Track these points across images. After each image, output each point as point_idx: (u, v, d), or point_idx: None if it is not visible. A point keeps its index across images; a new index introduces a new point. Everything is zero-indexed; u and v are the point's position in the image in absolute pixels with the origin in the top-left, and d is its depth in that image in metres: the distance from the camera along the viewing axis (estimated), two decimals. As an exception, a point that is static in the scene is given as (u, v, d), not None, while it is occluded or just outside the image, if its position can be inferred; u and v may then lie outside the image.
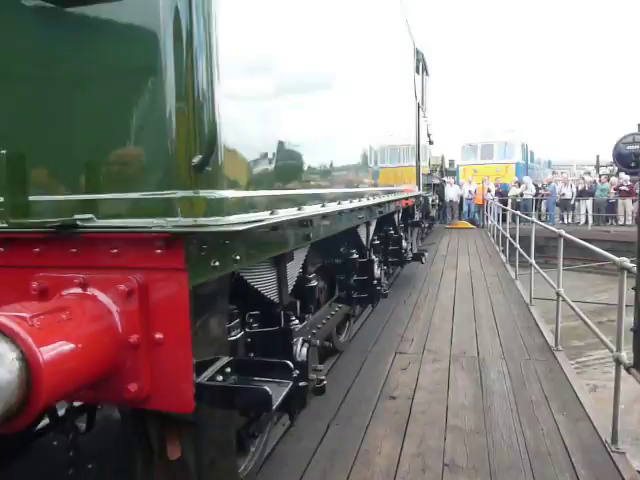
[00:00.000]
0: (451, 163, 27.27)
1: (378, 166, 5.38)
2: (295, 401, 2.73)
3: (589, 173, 24.88)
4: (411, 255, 9.04)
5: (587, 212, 19.85)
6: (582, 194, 20.81)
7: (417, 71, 9.45)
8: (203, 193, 1.67)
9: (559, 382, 4.74)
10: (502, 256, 13.02)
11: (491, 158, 24.38)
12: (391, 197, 6.07)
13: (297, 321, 2.87)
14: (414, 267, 10.53)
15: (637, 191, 19.60)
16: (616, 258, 3.85)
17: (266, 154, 2.15)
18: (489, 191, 20.84)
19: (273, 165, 2.22)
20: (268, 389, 1.74)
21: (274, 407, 1.73)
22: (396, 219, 7.63)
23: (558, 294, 5.96)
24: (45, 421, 2.69)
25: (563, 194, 20.36)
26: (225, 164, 1.74)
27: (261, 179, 2.10)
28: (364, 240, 5.12)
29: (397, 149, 6.91)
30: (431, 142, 19.19)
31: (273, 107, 2.30)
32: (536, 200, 20.22)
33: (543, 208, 20.74)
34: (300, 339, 2.80)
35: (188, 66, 1.65)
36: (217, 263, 1.77)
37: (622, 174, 21.75)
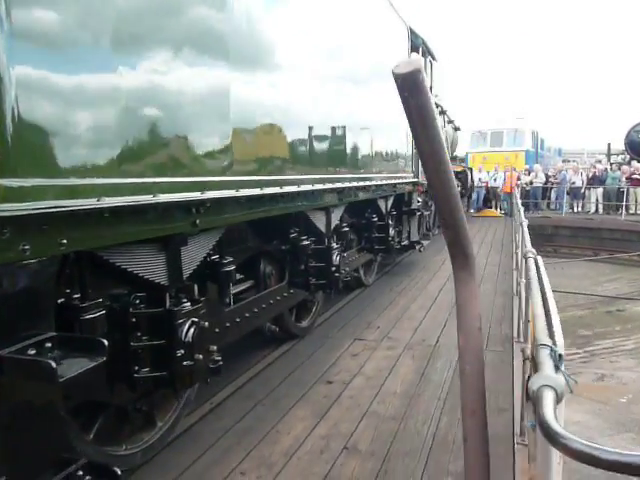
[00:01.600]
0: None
1: (346, 153, 5.38)
2: (180, 379, 2.84)
3: (600, 161, 24.00)
4: (406, 243, 8.99)
5: (597, 201, 19.26)
6: (593, 182, 20.28)
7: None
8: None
9: (503, 373, 4.62)
10: (514, 245, 12.75)
11: (501, 146, 23.88)
12: (367, 183, 6.08)
13: (189, 303, 2.95)
14: (417, 255, 10.46)
15: None
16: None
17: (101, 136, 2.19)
18: (519, 179, 20.39)
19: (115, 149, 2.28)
20: (53, 363, 1.83)
21: (62, 381, 1.81)
22: (383, 206, 7.62)
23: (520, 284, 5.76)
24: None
25: (573, 182, 19.82)
26: (18, 150, 1.81)
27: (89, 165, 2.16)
28: (322, 227, 5.15)
29: (378, 135, 6.87)
30: (457, 128, 18.86)
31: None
32: (546, 188, 19.74)
33: (553, 196, 20.21)
34: (189, 320, 2.88)
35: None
36: (27, 247, 1.87)
37: (634, 162, 21.11)
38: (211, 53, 2.97)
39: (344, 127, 5.34)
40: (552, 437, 0.96)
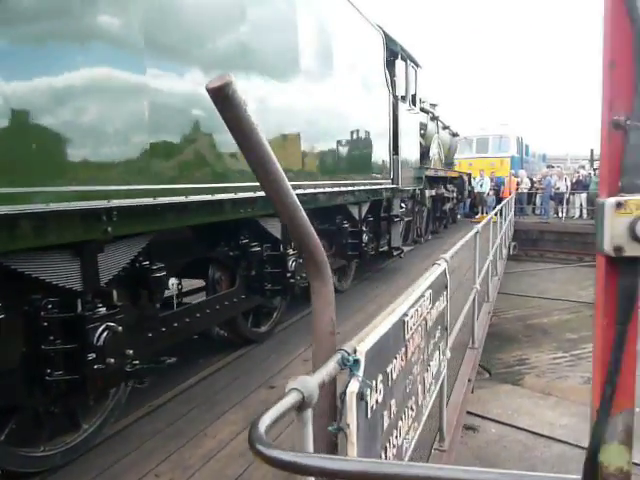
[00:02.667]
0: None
1: (304, 160, 5.43)
2: (92, 383, 2.90)
3: (583, 167, 24.04)
4: (386, 249, 8.99)
5: (581, 205, 19.18)
6: (577, 187, 20.33)
7: (391, 63, 9.36)
8: None
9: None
10: (504, 251, 12.64)
11: (486, 152, 23.87)
12: (329, 190, 6.08)
13: (104, 308, 3.01)
14: (403, 261, 10.44)
15: None
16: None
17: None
18: (518, 185, 20.31)
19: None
20: None
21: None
22: (356, 212, 7.65)
23: (476, 290, 5.70)
24: None
25: (558, 188, 19.77)
26: None
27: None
28: (277, 234, 5.20)
29: (346, 142, 6.89)
30: (455, 134, 18.75)
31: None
32: (530, 194, 19.75)
33: (538, 202, 20.18)
34: (102, 325, 2.94)
35: None
36: None
37: None
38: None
39: (299, 134, 5.37)
40: (251, 441, 0.98)
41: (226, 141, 4.14)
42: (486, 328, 7.14)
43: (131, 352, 3.07)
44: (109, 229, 2.89)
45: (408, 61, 9.76)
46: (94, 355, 2.84)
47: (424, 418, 2.51)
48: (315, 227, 6.19)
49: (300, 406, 1.25)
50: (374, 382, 1.66)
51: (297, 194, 4.94)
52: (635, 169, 0.87)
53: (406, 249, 9.76)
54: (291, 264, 5.31)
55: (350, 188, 6.97)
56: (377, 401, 1.70)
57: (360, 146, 7.34)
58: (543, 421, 7.56)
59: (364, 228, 7.84)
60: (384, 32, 8.63)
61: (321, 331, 1.92)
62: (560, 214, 19.74)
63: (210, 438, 3.42)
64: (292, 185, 4.72)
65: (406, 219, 10.12)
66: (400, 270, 9.99)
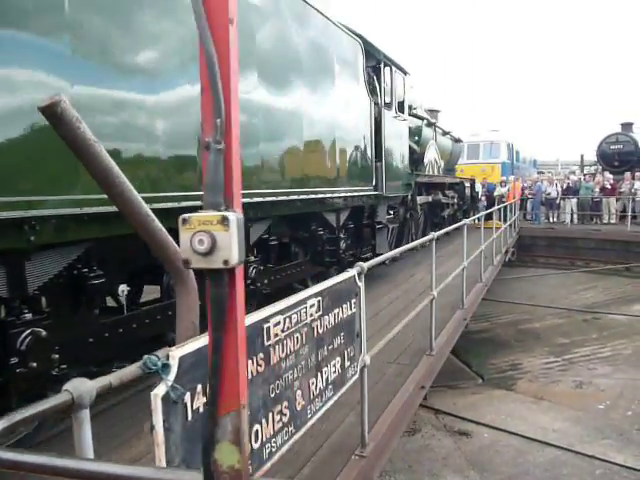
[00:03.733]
0: None
1: (263, 169, 5.54)
2: (14, 386, 3.02)
3: (574, 172, 23.90)
4: (369, 256, 9.00)
5: (572, 211, 19.06)
6: (567, 193, 20.25)
7: (376, 70, 9.48)
8: None
9: (388, 387, 4.66)
10: (498, 257, 12.43)
11: (477, 158, 23.97)
12: (296, 197, 6.18)
13: (30, 314, 3.13)
14: (391, 268, 10.44)
15: (621, 190, 18.81)
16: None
17: None
18: (523, 190, 20.22)
19: None
20: None
21: None
22: (333, 219, 7.71)
23: (433, 298, 5.67)
24: None
25: (549, 193, 19.73)
26: None
27: None
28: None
29: (321, 150, 7.00)
30: (457, 140, 18.64)
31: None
32: (522, 199, 19.69)
33: (529, 207, 20.06)
34: (26, 330, 3.06)
35: None
36: None
37: (606, 173, 21.33)
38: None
39: (268, 141, 5.56)
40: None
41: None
42: (456, 335, 7.09)
43: (57, 357, 3.17)
44: (32, 238, 3.00)
45: (393, 68, 9.84)
46: (16, 359, 2.95)
47: (311, 422, 2.54)
48: (288, 233, 6.33)
49: (70, 407, 1.31)
50: (200, 386, 1.69)
51: (265, 201, 5.05)
52: (211, 187, 0.92)
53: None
54: (251, 271, 5.42)
55: (324, 195, 7.06)
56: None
57: (336, 154, 7.42)
58: (536, 426, 7.51)
59: (342, 235, 7.92)
60: (365, 41, 8.75)
61: (182, 335, 2.01)
62: (551, 219, 19.62)
63: (138, 441, 3.49)
64: (258, 193, 4.74)
65: (391, 226, 10.07)
66: (386, 276, 9.99)
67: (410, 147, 12.97)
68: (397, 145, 10.22)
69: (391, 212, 10.78)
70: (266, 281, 5.69)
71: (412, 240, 13.00)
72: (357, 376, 3.13)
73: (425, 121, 14.11)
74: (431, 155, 14.50)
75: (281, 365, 2.24)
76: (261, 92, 5.37)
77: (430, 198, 14.29)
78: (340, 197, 7.57)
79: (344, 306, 2.92)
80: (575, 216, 19.42)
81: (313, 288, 2.63)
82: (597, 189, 19.70)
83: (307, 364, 2.50)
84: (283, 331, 2.24)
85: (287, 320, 2.28)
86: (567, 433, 7.14)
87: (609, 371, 9.47)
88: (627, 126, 25.07)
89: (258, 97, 5.34)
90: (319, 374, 2.63)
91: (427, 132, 14.31)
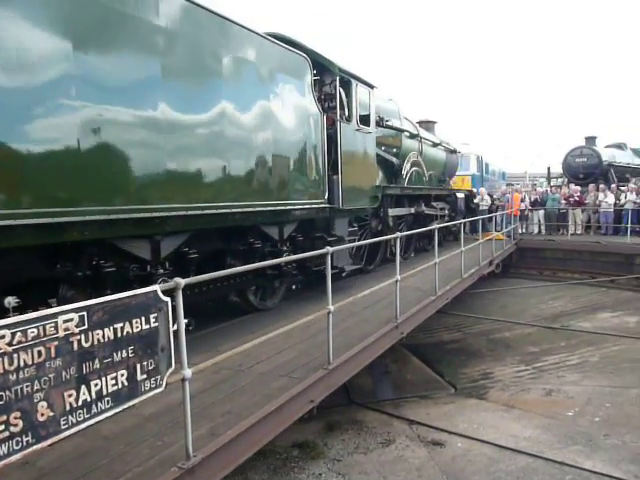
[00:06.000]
0: None
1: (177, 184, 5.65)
2: None
3: (541, 185, 24.63)
4: (321, 268, 8.73)
5: (539, 222, 19.53)
6: (534, 204, 20.75)
7: (329, 85, 9.58)
8: None
9: (253, 399, 4.67)
10: (472, 270, 12.06)
11: None
12: (216, 211, 6.19)
13: None
14: (358, 280, 10.11)
15: (586, 201, 19.42)
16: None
17: None
18: (522, 200, 20.53)
19: None
20: None
21: None
22: (274, 232, 7.76)
23: (329, 312, 5.54)
24: None
25: None
26: None
27: None
28: (145, 255, 5.46)
29: (259, 164, 7.06)
30: (453, 150, 18.54)
31: None
32: (491, 210, 20.07)
33: (498, 218, 20.54)
34: None
35: None
36: None
37: (572, 185, 21.89)
38: None
39: (177, 156, 5.59)
40: None
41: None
42: (375, 353, 6.90)
43: None
44: None
45: (354, 82, 9.85)
46: None
47: (69, 432, 2.67)
48: (223, 247, 6.41)
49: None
50: None
51: (178, 215, 5.47)
52: None
53: (349, 268, 9.55)
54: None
55: (263, 209, 7.08)
56: None
57: (273, 168, 7.39)
58: (507, 434, 7.57)
59: (285, 248, 7.92)
60: (319, 56, 9.05)
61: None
62: (520, 230, 20.00)
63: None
64: (167, 208, 4.75)
65: (348, 239, 9.71)
66: (349, 289, 9.48)
67: (385, 159, 12.98)
68: (359, 157, 10.12)
69: (355, 225, 10.63)
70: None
71: (388, 253, 12.96)
72: (161, 389, 3.16)
73: (407, 133, 14.10)
74: (411, 167, 14.37)
75: (7, 377, 2.37)
76: (165, 109, 5.40)
77: (413, 210, 14.04)
78: (283, 210, 7.56)
79: (136, 321, 2.99)
80: (543, 227, 19.78)
81: (76, 304, 2.73)
82: (563, 201, 20.16)
83: (60, 377, 2.60)
84: (11, 345, 2.38)
85: (18, 334, 2.42)
86: (538, 440, 7.21)
87: (577, 378, 9.64)
88: (591, 140, 25.98)
89: (162, 114, 5.38)
90: (84, 386, 2.72)
91: (409, 144, 14.24)
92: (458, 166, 20.55)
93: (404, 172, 13.82)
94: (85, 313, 2.72)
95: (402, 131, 13.80)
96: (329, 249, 5.57)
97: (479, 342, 12.04)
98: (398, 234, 7.77)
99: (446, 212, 16.40)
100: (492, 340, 12.12)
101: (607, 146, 27.93)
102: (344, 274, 9.25)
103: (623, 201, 19.28)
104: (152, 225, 5.33)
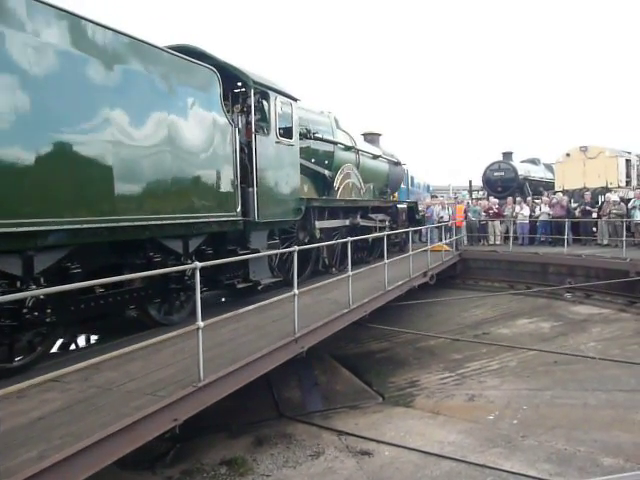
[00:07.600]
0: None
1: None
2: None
3: (464, 197, 26.00)
4: (232, 282, 8.86)
5: (463, 233, 20.56)
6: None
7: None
8: None
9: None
10: (400, 282, 12.08)
11: None
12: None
13: None
14: (282, 293, 9.96)
15: (504, 213, 20.73)
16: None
17: None
18: (466, 212, 21.19)
19: None
20: None
21: None
22: (178, 246, 7.67)
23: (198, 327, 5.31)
24: None
25: (442, 217, 20.95)
26: None
27: None
28: (16, 271, 5.31)
29: (159, 178, 6.96)
30: (397, 163, 18.67)
31: None
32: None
33: (424, 231, 21.40)
34: None
35: None
36: None
37: (491, 198, 23.21)
38: None
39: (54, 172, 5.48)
40: None
41: None
42: (258, 372, 6.55)
43: None
44: None
45: (273, 95, 9.90)
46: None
47: None
48: (118, 261, 6.37)
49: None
50: None
51: (60, 229, 5.41)
52: None
53: (265, 282, 9.46)
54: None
55: (159, 222, 6.94)
56: None
57: (180, 180, 7.32)
58: (433, 440, 7.71)
59: (189, 262, 7.63)
60: (233, 69, 9.15)
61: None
62: (444, 241, 20.81)
63: None
64: (64, 221, 4.64)
65: (266, 252, 9.47)
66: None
67: (316, 171, 13.03)
68: (279, 169, 10.06)
69: (276, 238, 10.55)
70: (49, 310, 5.57)
71: (319, 265, 12.97)
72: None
73: (340, 145, 14.20)
74: (348, 178, 14.43)
75: None
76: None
77: (347, 222, 14.08)
78: (179, 224, 7.43)
79: None
80: (464, 238, 20.60)
81: None
82: (483, 213, 21.09)
83: None
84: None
85: None
86: (461, 445, 7.41)
87: (497, 383, 10.01)
88: (507, 155, 27.61)
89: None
90: None
91: (343, 156, 14.32)
92: (403, 178, 20.88)
93: (336, 184, 13.85)
94: None
95: (335, 143, 13.94)
96: (197, 264, 5.42)
97: (406, 351, 12.31)
98: (296, 247, 7.60)
99: (387, 224, 16.27)
100: (418, 348, 12.42)
101: (522, 161, 29.75)
102: (260, 287, 9.16)
103: (538, 213, 20.44)
104: (21, 240, 5.14)
